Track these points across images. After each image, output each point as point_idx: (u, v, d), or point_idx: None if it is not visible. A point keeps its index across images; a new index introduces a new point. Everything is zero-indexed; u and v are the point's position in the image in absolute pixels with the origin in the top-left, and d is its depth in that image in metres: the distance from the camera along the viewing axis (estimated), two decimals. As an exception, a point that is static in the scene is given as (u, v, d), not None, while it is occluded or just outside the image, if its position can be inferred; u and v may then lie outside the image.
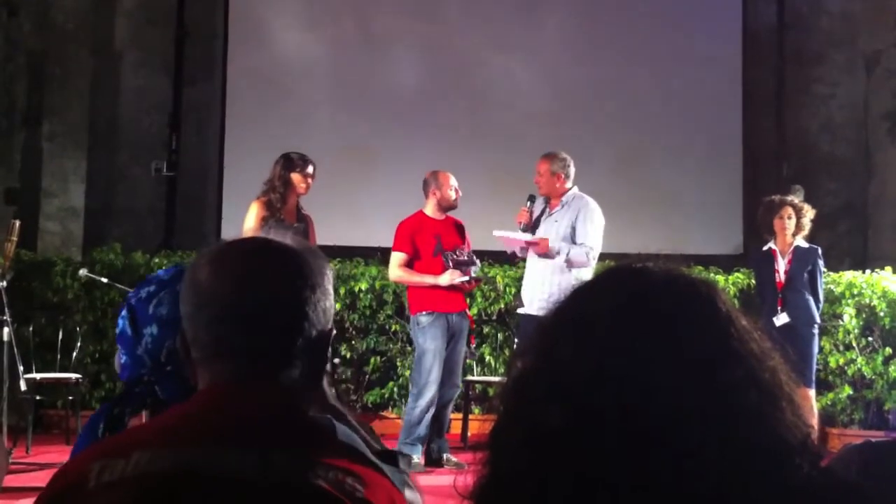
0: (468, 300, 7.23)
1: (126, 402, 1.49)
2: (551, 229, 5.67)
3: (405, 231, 5.88)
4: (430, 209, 5.95)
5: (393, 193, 7.68)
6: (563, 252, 5.54)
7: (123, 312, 1.61)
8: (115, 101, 9.01)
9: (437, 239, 5.85)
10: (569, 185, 5.75)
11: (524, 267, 6.01)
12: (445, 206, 5.93)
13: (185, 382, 1.39)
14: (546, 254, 5.57)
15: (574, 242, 5.60)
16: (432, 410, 5.76)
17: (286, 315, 1.21)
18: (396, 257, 5.89)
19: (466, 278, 5.81)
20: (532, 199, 5.83)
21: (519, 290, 7.06)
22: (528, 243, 5.63)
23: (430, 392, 5.71)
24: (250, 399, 1.18)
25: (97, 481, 1.09)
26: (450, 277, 5.74)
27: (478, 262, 5.97)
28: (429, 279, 5.77)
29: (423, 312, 5.77)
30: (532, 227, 5.76)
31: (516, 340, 7.01)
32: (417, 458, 5.60)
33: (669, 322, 0.93)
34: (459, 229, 6.03)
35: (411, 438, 5.69)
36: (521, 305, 5.86)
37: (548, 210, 5.77)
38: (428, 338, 5.73)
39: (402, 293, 6.55)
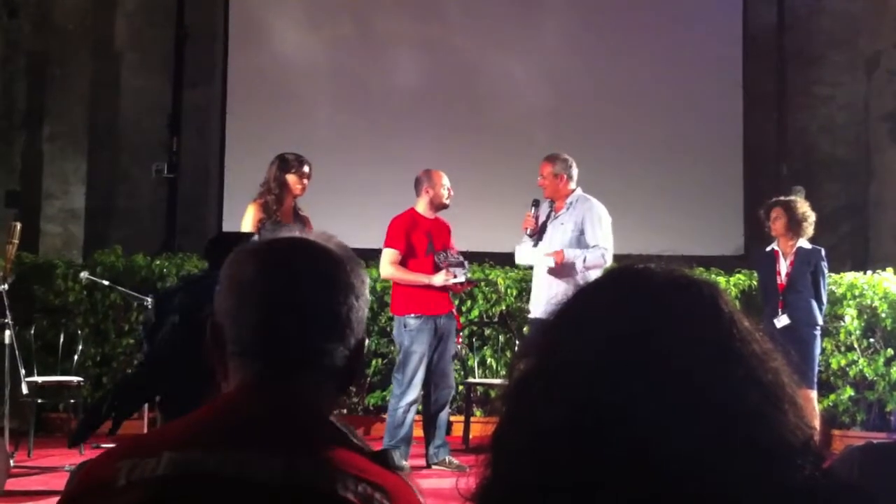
0: (469, 303, 7.25)
1: (127, 396, 1.49)
2: (557, 232, 5.64)
3: (399, 228, 5.82)
4: (422, 207, 5.90)
5: (393, 194, 7.67)
6: (579, 259, 5.51)
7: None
8: (115, 103, 9.02)
9: (429, 237, 5.82)
10: (572, 186, 5.73)
11: (526, 269, 6.00)
12: (437, 204, 5.88)
13: (192, 377, 1.39)
14: (563, 265, 5.53)
15: (586, 246, 5.57)
16: (414, 410, 5.77)
17: (332, 322, 1.21)
18: (389, 254, 5.82)
19: (461, 279, 5.79)
20: (536, 203, 5.79)
21: (520, 293, 7.07)
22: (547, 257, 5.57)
23: (414, 393, 5.72)
24: (283, 403, 1.17)
25: (127, 479, 1.09)
26: (444, 278, 5.72)
27: (467, 264, 5.95)
28: (423, 278, 5.73)
29: (412, 315, 5.73)
30: (538, 232, 5.73)
31: (517, 343, 7.02)
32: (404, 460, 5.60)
33: (671, 323, 0.93)
34: (447, 231, 6.00)
35: (396, 440, 5.66)
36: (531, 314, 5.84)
37: (553, 213, 5.74)
38: (415, 341, 5.70)
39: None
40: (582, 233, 5.60)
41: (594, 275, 5.43)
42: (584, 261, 5.49)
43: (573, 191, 5.72)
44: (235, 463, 1.08)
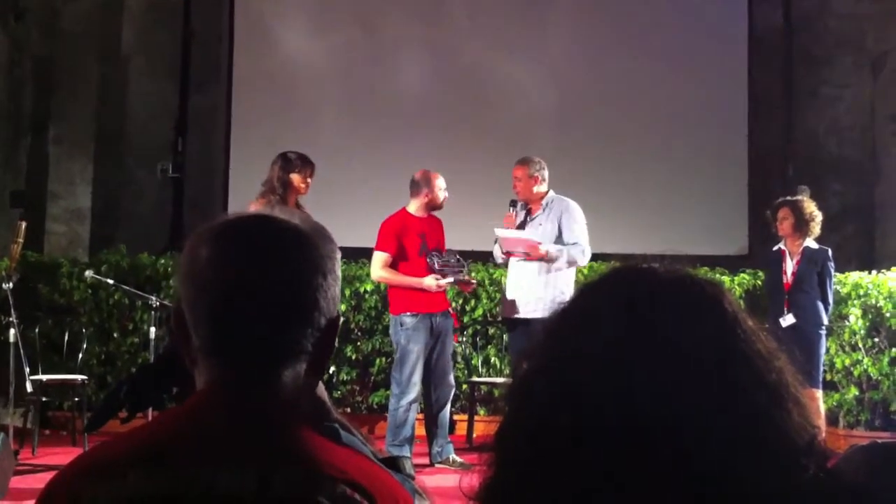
0: (472, 302, 7.24)
1: (145, 382, 1.41)
2: (536, 234, 5.69)
3: (390, 231, 5.84)
4: (415, 208, 5.92)
5: (398, 196, 7.68)
6: (562, 254, 5.55)
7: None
8: (122, 106, 9.03)
9: (421, 238, 5.83)
10: (544, 188, 5.79)
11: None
12: (433, 207, 5.91)
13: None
14: (543, 258, 5.55)
15: (563, 244, 5.63)
16: (415, 409, 5.78)
17: (297, 307, 1.10)
18: (380, 257, 5.83)
19: (450, 279, 5.77)
20: (514, 203, 5.86)
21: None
22: (529, 245, 5.58)
23: (413, 392, 5.74)
24: (253, 408, 1.08)
25: None
26: (435, 283, 5.72)
27: (465, 265, 5.94)
28: (413, 281, 5.74)
29: (408, 313, 5.76)
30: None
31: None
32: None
33: (675, 322, 0.93)
34: (440, 229, 6.00)
35: (398, 440, 5.69)
36: (508, 314, 5.78)
37: (529, 216, 5.79)
38: (411, 339, 5.73)
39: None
40: (561, 232, 5.66)
41: (564, 274, 5.47)
42: (566, 255, 5.55)
43: (546, 193, 5.77)
44: (205, 481, 1.02)
